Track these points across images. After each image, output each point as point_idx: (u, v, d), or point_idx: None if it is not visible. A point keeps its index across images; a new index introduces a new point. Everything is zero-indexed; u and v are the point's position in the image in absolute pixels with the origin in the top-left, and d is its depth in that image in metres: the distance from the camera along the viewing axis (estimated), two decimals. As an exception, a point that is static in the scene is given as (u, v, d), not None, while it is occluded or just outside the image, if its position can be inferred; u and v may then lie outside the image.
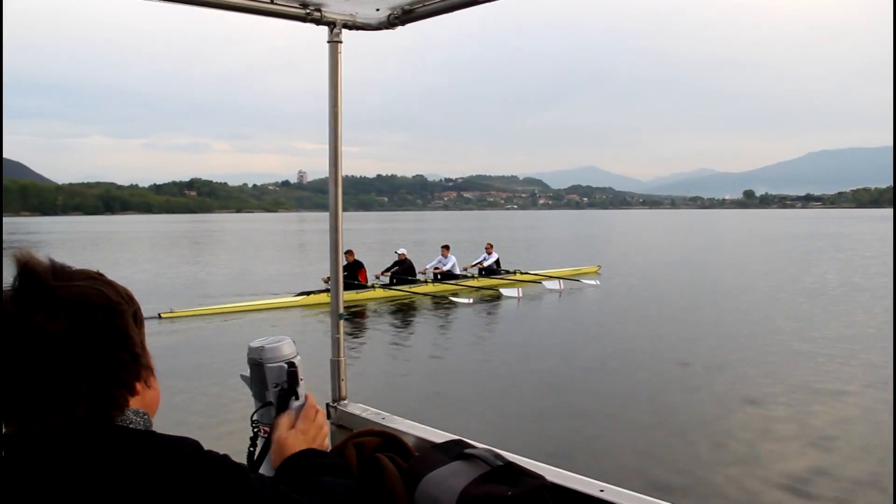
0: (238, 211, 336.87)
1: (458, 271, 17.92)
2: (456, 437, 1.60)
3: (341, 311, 2.10)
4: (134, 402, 0.92)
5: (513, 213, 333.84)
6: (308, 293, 15.16)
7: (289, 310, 14.58)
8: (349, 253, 16.30)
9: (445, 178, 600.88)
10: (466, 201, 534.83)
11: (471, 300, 15.51)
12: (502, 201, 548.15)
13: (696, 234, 55.53)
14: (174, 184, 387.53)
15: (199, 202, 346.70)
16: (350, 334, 12.03)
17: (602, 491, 1.36)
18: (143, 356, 0.92)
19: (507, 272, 18.61)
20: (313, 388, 1.30)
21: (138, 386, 0.92)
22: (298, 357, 1.27)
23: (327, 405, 2.02)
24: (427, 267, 17.75)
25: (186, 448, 0.90)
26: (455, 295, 16.15)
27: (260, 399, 1.27)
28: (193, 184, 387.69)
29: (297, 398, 1.25)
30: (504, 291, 16.45)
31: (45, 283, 0.83)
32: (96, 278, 0.90)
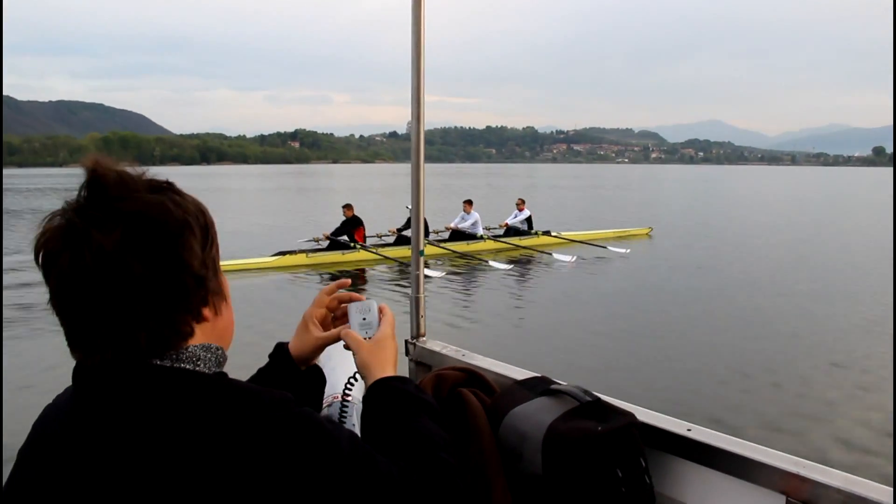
0: (335, 162, 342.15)
1: (480, 231, 16.12)
2: (540, 374, 1.56)
3: (422, 248, 2.10)
4: (203, 331, 0.83)
5: (621, 166, 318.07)
6: (284, 253, 13.85)
7: (265, 272, 13.07)
8: (348, 208, 14.57)
9: (556, 131, 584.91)
10: (576, 154, 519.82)
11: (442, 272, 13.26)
12: (613, 154, 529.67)
13: (783, 194, 49.18)
14: (278, 135, 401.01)
15: (297, 153, 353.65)
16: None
17: (689, 430, 1.34)
18: (210, 279, 0.82)
19: (535, 233, 16.61)
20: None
21: (206, 312, 0.83)
22: None
23: (406, 342, 1.99)
24: (450, 225, 16.15)
25: (270, 400, 0.79)
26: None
27: None
28: (297, 134, 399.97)
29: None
30: (493, 263, 13.55)
31: (108, 193, 0.76)
32: (165, 189, 0.81)
